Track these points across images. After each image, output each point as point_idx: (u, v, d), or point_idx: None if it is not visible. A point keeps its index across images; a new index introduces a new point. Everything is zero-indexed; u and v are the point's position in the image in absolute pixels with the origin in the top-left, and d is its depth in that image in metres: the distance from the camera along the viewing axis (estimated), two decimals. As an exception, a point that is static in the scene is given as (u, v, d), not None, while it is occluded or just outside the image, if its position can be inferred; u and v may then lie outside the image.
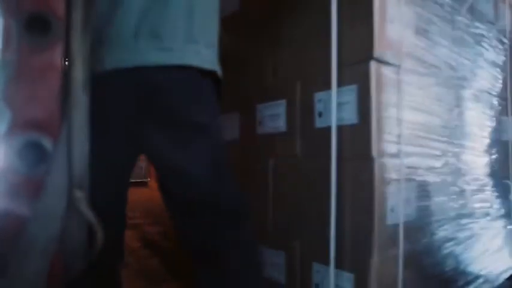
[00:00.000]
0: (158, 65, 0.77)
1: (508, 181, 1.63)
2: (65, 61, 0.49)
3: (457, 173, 1.27)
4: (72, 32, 0.49)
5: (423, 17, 1.12)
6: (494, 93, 1.54)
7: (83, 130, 0.51)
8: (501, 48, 1.59)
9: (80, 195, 0.49)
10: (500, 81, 1.58)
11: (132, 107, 0.79)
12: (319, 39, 1.06)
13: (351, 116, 0.98)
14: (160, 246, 2.20)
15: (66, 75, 0.48)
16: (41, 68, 0.46)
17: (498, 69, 1.56)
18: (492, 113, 1.52)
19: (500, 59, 1.58)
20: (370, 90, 0.95)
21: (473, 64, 1.40)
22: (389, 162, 0.98)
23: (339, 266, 1.00)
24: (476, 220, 1.36)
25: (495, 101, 1.55)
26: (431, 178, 1.15)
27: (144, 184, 4.41)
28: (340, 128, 1.00)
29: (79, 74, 0.50)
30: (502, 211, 1.55)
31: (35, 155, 0.44)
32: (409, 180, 1.04)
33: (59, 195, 0.46)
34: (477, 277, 1.35)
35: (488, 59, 1.49)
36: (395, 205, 0.99)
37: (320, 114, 1.07)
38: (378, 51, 0.95)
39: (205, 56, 0.83)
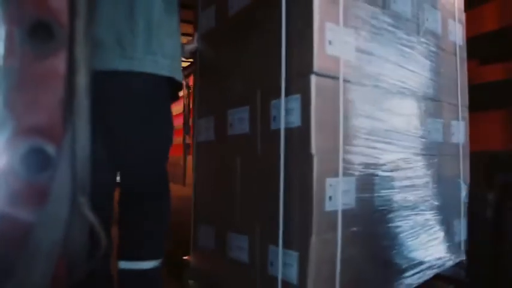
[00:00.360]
0: (122, 70, 0.98)
1: (459, 179, 1.81)
2: (68, 67, 0.50)
3: (401, 170, 1.46)
4: (75, 39, 0.49)
5: (364, 36, 1.31)
6: (444, 100, 1.72)
7: (85, 135, 0.51)
8: (451, 60, 1.78)
9: (83, 200, 0.50)
10: (451, 90, 1.77)
11: (100, 104, 0.99)
12: (274, 55, 1.26)
13: (296, 120, 1.18)
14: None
15: (70, 81, 0.49)
16: (44, 74, 0.46)
17: (448, 80, 1.75)
18: (442, 118, 1.70)
19: (450, 70, 1.77)
20: (311, 99, 1.14)
21: (422, 76, 1.58)
22: (328, 158, 1.17)
23: (288, 246, 1.20)
24: (421, 212, 1.55)
25: (445, 107, 1.73)
26: (373, 173, 1.33)
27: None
28: (288, 130, 1.20)
29: (82, 80, 0.50)
30: (451, 206, 1.73)
31: (38, 161, 0.45)
32: (348, 174, 1.24)
33: (63, 200, 0.47)
34: (421, 262, 1.53)
35: (437, 71, 1.67)
36: (334, 195, 1.18)
37: (274, 118, 1.27)
38: (317, 66, 1.15)
39: (161, 64, 1.04)
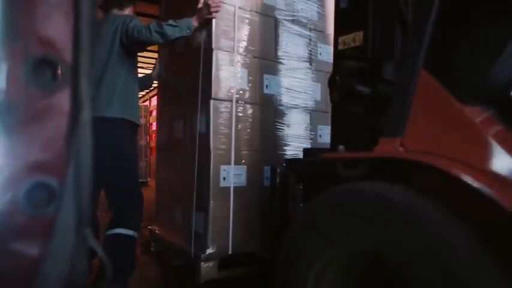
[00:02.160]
0: (107, 116, 1.66)
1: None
2: (72, 103, 0.50)
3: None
4: (79, 76, 0.50)
5: (258, 71, 1.95)
6: (320, 111, 2.31)
7: (89, 169, 0.52)
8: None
9: (88, 231, 0.50)
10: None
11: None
12: (197, 86, 1.92)
13: (203, 129, 1.84)
14: (158, 253, 2.40)
15: (74, 116, 0.50)
16: (49, 111, 0.47)
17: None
18: (315, 124, 2.28)
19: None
20: (210, 115, 1.80)
21: (313, 95, 2.20)
22: (223, 153, 1.82)
23: (198, 209, 1.86)
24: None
25: (318, 116, 2.31)
26: (260, 164, 1.97)
27: (143, 184, 5.30)
28: (200, 135, 1.86)
29: (86, 115, 0.51)
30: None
31: (43, 196, 0.46)
32: (241, 163, 1.88)
33: (68, 233, 0.47)
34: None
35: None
36: (227, 176, 1.83)
37: (196, 128, 1.93)
38: (214, 94, 1.81)
39: (130, 113, 1.74)
